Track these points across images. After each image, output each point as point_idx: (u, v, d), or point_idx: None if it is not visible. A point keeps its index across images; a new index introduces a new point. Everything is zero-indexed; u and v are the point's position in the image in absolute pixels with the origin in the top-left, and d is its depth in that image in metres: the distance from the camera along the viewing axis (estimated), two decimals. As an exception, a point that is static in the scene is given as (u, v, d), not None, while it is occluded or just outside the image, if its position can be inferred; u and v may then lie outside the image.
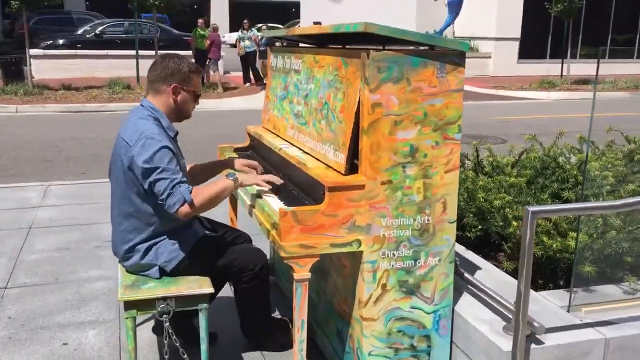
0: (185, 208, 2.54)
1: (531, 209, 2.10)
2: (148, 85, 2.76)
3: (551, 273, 3.16)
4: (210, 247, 2.81)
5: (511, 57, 21.24)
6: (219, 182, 2.70)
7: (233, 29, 38.74)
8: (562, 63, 19.10)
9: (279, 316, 3.31)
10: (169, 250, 2.74)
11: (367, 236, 2.41)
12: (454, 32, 20.97)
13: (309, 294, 3.12)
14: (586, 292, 2.79)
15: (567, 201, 3.30)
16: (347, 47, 3.01)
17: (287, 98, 3.25)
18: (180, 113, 2.79)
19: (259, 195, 2.78)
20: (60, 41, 18.96)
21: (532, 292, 2.83)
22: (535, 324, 2.31)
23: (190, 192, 2.54)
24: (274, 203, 2.64)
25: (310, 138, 2.82)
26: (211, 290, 2.68)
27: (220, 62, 16.81)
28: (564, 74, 18.67)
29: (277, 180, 2.79)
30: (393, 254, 2.46)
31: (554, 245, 2.90)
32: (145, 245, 2.73)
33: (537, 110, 13.91)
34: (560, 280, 3.13)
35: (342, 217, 2.39)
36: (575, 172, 3.47)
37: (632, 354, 2.47)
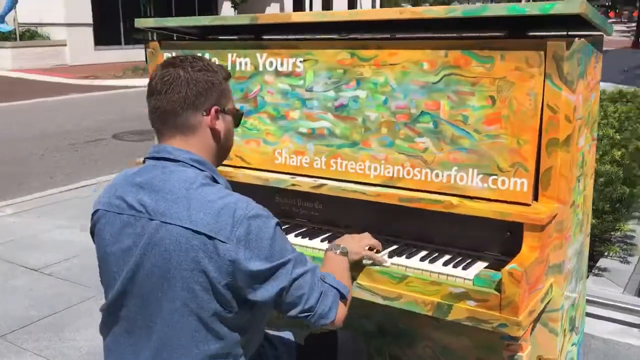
0: (342, 309, 1.57)
1: None
2: (165, 123, 1.55)
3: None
4: None
5: (87, 44, 19.91)
6: (339, 262, 1.72)
7: None
8: (145, 49, 18.88)
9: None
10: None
11: (558, 276, 1.89)
12: (15, 19, 18.53)
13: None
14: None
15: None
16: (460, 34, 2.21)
17: (265, 112, 2.28)
18: (225, 152, 1.66)
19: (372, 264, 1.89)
20: None
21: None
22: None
23: None
24: (440, 268, 1.82)
25: (384, 163, 2.03)
26: None
27: None
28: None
29: (377, 244, 1.93)
30: (569, 289, 1.99)
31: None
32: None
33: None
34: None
35: (546, 260, 1.81)
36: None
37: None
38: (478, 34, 2.00)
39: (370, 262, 1.87)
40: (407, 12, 1.94)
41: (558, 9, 1.69)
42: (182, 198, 1.44)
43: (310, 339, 1.89)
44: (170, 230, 1.42)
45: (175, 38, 2.78)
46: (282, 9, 27.27)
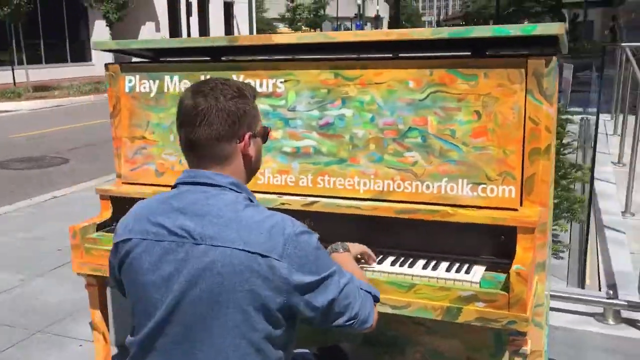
0: (376, 312, 1.65)
1: None
2: (200, 154, 1.54)
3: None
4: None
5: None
6: (348, 259, 1.82)
7: None
8: (13, 70, 17.84)
9: None
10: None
11: (542, 273, 2.06)
12: None
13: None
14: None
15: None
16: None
17: (244, 133, 2.29)
18: (254, 173, 1.68)
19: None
20: None
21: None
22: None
23: None
24: (446, 274, 1.91)
25: (374, 178, 2.12)
26: None
27: None
28: (22, 81, 17.46)
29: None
30: (546, 285, 2.17)
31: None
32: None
33: (36, 122, 12.71)
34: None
35: (535, 260, 1.97)
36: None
37: None
38: (442, 54, 2.13)
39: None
40: (394, 34, 2.05)
41: (540, 30, 1.87)
42: (230, 221, 1.44)
43: (320, 352, 1.93)
44: (222, 252, 1.41)
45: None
46: (157, 28, 26.74)
